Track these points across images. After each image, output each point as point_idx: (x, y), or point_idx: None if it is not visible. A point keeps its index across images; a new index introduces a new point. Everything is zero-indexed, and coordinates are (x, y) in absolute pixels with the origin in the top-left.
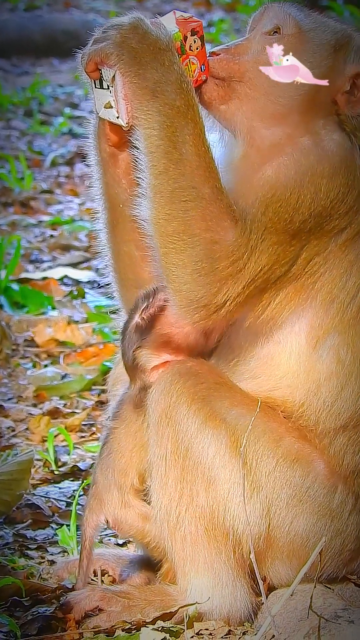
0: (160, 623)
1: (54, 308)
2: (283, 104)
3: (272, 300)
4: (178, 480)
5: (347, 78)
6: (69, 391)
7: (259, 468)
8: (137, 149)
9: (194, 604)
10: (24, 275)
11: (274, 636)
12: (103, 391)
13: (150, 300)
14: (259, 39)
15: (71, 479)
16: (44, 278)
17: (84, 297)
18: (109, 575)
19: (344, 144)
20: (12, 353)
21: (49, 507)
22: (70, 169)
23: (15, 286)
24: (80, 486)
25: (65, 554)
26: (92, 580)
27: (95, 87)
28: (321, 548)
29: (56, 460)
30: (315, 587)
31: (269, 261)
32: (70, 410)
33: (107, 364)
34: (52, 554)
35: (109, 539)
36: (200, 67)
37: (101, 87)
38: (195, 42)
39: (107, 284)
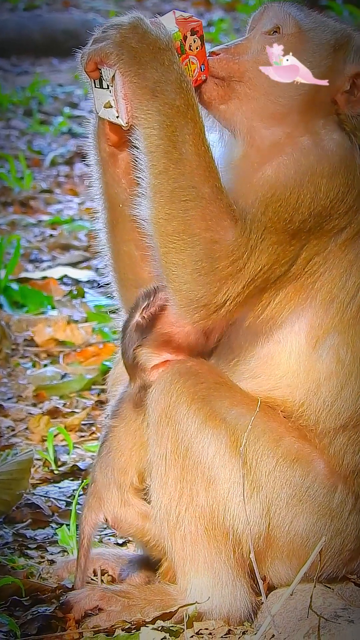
0: (160, 622)
1: (53, 308)
2: (283, 104)
3: (272, 300)
4: (178, 479)
5: (347, 78)
6: (69, 391)
7: (259, 468)
8: (137, 148)
9: (194, 603)
10: (23, 274)
11: (273, 636)
12: (103, 391)
13: (151, 299)
14: (259, 38)
15: (71, 478)
16: (44, 277)
17: (83, 297)
18: (108, 575)
19: (344, 143)
20: (12, 352)
21: (48, 506)
22: (70, 168)
23: (14, 286)
24: (80, 486)
25: (65, 553)
26: (91, 579)
27: (95, 87)
28: (321, 548)
29: (56, 460)
30: (315, 586)
31: (269, 261)
32: (70, 410)
33: (107, 363)
34: (51, 554)
35: (109, 539)
36: (200, 67)
37: (101, 86)
38: (195, 41)
39: (107, 284)
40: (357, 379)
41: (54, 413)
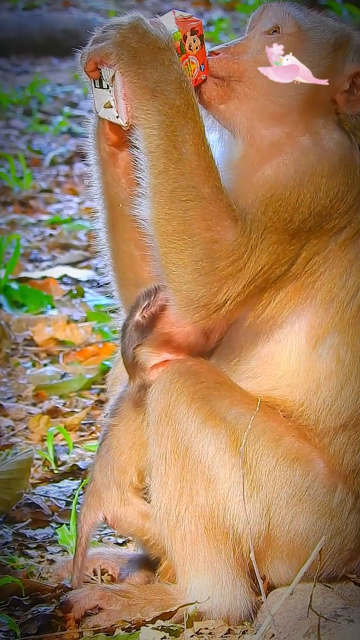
0: (160, 622)
1: (53, 307)
2: (282, 104)
3: (272, 300)
4: (178, 479)
5: (347, 77)
6: (69, 390)
7: (259, 467)
8: (137, 148)
9: (194, 603)
10: (23, 274)
11: (273, 635)
12: (102, 390)
13: (152, 298)
14: (259, 38)
15: (71, 478)
16: (44, 277)
17: (83, 296)
18: (108, 574)
19: (344, 143)
20: (12, 352)
21: (48, 506)
22: (70, 168)
23: (14, 285)
24: (79, 485)
25: (65, 553)
26: (91, 579)
27: (95, 87)
28: (321, 547)
29: (56, 460)
30: (315, 586)
31: (269, 260)
32: (69, 410)
33: (107, 363)
34: (51, 553)
35: (109, 538)
36: (200, 67)
37: (101, 86)
38: (194, 41)
39: (107, 283)
40: (357, 379)
41: (53, 413)
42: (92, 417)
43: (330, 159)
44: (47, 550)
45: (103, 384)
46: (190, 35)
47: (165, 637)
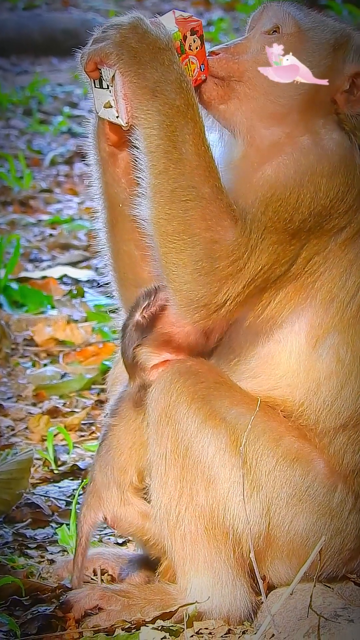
0: (160, 622)
1: (53, 307)
2: (282, 104)
3: (272, 300)
4: (178, 479)
5: (347, 77)
6: (69, 390)
7: (259, 467)
8: (137, 148)
9: (194, 603)
10: (23, 274)
11: (273, 635)
12: (102, 390)
13: (152, 298)
14: (259, 38)
15: (71, 478)
16: (44, 277)
17: (83, 296)
18: (108, 574)
19: (344, 143)
20: (12, 352)
21: (48, 506)
22: (70, 168)
23: (14, 285)
24: (79, 485)
25: (65, 553)
26: (91, 579)
27: (95, 87)
28: (321, 547)
29: (56, 460)
30: (315, 586)
31: (269, 260)
32: (69, 410)
33: (107, 363)
34: (51, 553)
35: (109, 538)
36: (200, 67)
37: (101, 86)
38: (194, 41)
39: (107, 283)
40: (357, 379)
41: (53, 412)
42: (92, 417)
43: (330, 159)
44: (47, 550)
45: (103, 384)
46: (190, 35)
47: (165, 637)
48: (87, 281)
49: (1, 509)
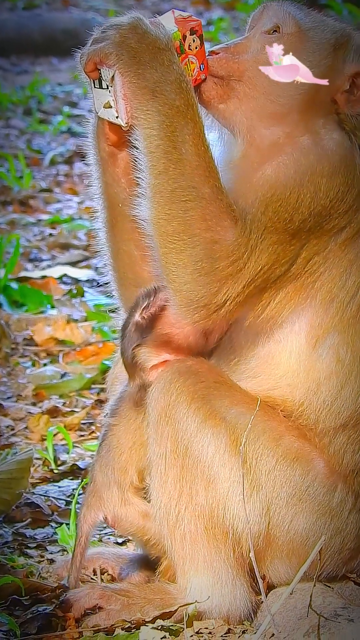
0: (159, 622)
1: (53, 307)
2: (282, 103)
3: (272, 300)
4: (177, 478)
5: (347, 77)
6: (68, 390)
7: (259, 467)
8: (137, 148)
9: (194, 602)
10: (23, 274)
11: (273, 635)
12: (102, 390)
13: (151, 299)
14: (259, 37)
15: (70, 477)
16: (43, 277)
17: (83, 296)
18: (108, 574)
19: (344, 143)
20: (12, 352)
21: (48, 505)
22: (70, 167)
23: (14, 285)
24: (79, 485)
25: (65, 552)
26: (91, 578)
27: (95, 87)
28: (321, 547)
29: (55, 459)
30: (314, 585)
31: (269, 260)
32: (69, 409)
33: (107, 362)
34: (51, 553)
35: (108, 538)
36: (200, 66)
37: (100, 86)
38: (194, 41)
39: (106, 283)
40: (357, 379)
41: (53, 412)
42: (92, 417)
43: (330, 159)
44: (47, 550)
45: (103, 383)
46: (190, 34)
47: (165, 637)
48: (87, 281)
49: (1, 508)
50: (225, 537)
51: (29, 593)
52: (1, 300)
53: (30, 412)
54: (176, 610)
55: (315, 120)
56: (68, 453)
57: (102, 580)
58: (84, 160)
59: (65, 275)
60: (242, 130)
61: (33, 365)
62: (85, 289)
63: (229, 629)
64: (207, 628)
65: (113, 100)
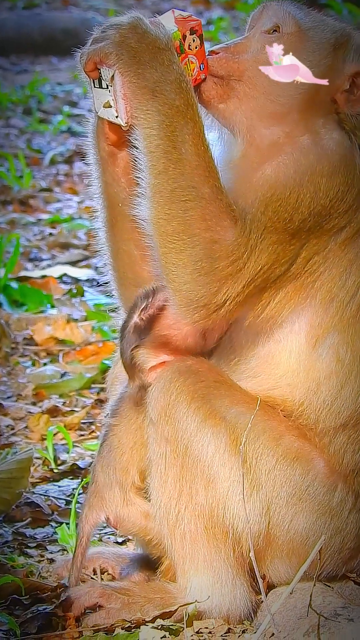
0: (159, 621)
1: (53, 306)
2: (282, 103)
3: (272, 299)
4: (177, 478)
5: (347, 77)
6: (68, 389)
7: (259, 466)
8: (137, 148)
9: (194, 602)
10: (23, 273)
11: (273, 634)
12: (102, 389)
13: (150, 300)
14: (258, 37)
15: (70, 477)
16: (43, 276)
17: (83, 296)
18: (108, 574)
19: (344, 142)
20: (12, 351)
21: (48, 505)
22: (69, 167)
23: (14, 284)
24: (79, 484)
25: (65, 552)
26: (91, 578)
27: (94, 87)
28: (321, 546)
29: (55, 459)
30: (314, 585)
31: (269, 260)
32: (69, 409)
33: (107, 362)
34: (51, 552)
35: (109, 538)
36: (200, 66)
37: (100, 86)
38: (194, 41)
39: (106, 283)
40: (356, 378)
41: (53, 412)
42: (92, 416)
43: (330, 159)
44: (47, 550)
45: (103, 383)
46: (190, 34)
47: (165, 637)
48: (87, 280)
49: (1, 508)
50: (225, 537)
51: (29, 592)
52: (1, 300)
53: (30, 412)
54: (176, 609)
55: (315, 120)
56: (68, 452)
57: (102, 579)
58: (83, 159)
59: (65, 274)
60: (242, 130)
61: (33, 364)
62: (85, 288)
63: (229, 629)
64: (207, 627)
65: (113, 99)
